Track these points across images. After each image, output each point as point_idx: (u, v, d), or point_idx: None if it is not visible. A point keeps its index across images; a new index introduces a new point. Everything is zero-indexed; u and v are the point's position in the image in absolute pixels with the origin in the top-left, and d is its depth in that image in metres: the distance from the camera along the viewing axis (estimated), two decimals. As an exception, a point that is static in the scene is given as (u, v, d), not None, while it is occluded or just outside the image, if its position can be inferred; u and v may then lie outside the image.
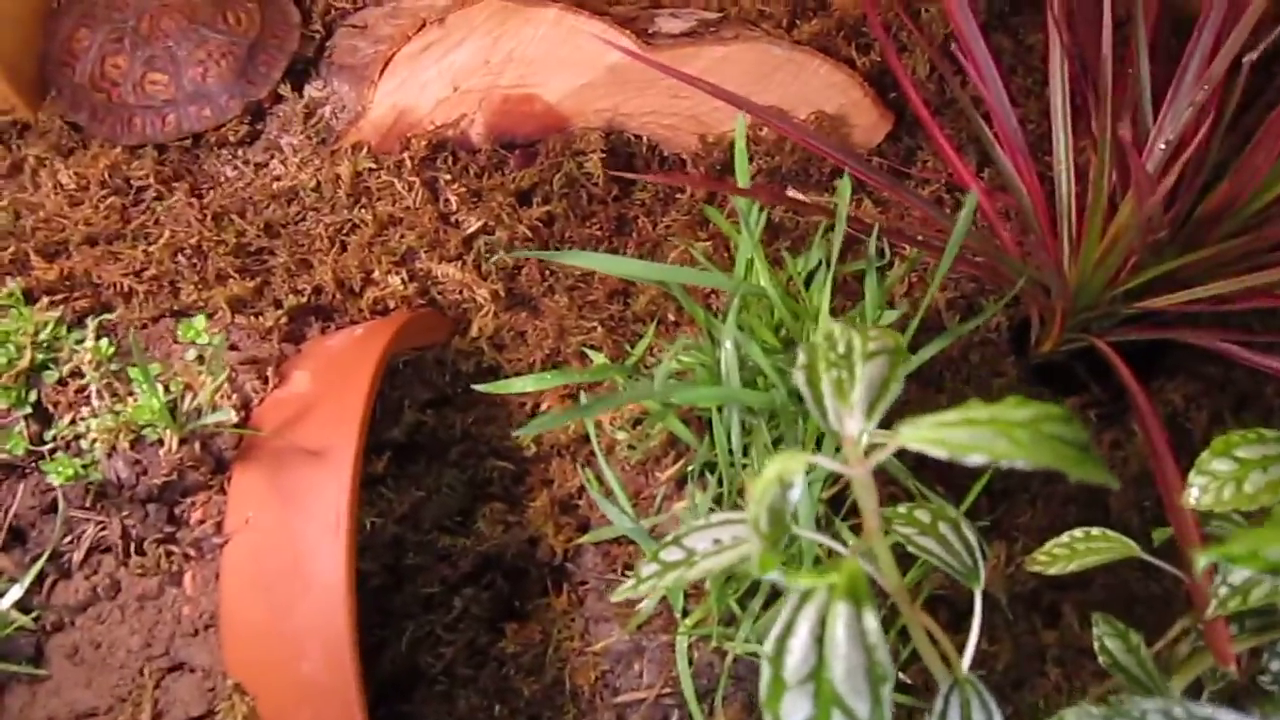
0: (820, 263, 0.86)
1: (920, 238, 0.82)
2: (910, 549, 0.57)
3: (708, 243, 0.95)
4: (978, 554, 0.57)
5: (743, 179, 0.80)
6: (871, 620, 0.38)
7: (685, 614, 0.81)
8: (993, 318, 0.92)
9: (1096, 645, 0.63)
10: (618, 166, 0.98)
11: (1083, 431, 0.38)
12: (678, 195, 0.97)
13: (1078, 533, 0.66)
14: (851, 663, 0.38)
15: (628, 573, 0.86)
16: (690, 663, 0.80)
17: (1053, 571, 0.67)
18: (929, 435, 0.37)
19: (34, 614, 0.67)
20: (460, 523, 0.87)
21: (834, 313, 0.83)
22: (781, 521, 0.38)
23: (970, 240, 0.75)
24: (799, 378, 0.44)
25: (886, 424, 0.41)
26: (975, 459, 0.36)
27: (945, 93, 1.00)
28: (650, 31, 0.99)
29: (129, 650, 0.67)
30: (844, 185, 0.76)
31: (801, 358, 0.45)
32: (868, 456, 0.40)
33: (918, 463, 0.80)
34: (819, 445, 0.74)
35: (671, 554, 0.51)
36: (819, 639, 0.38)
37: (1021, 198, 0.85)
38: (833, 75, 0.97)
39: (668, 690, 0.82)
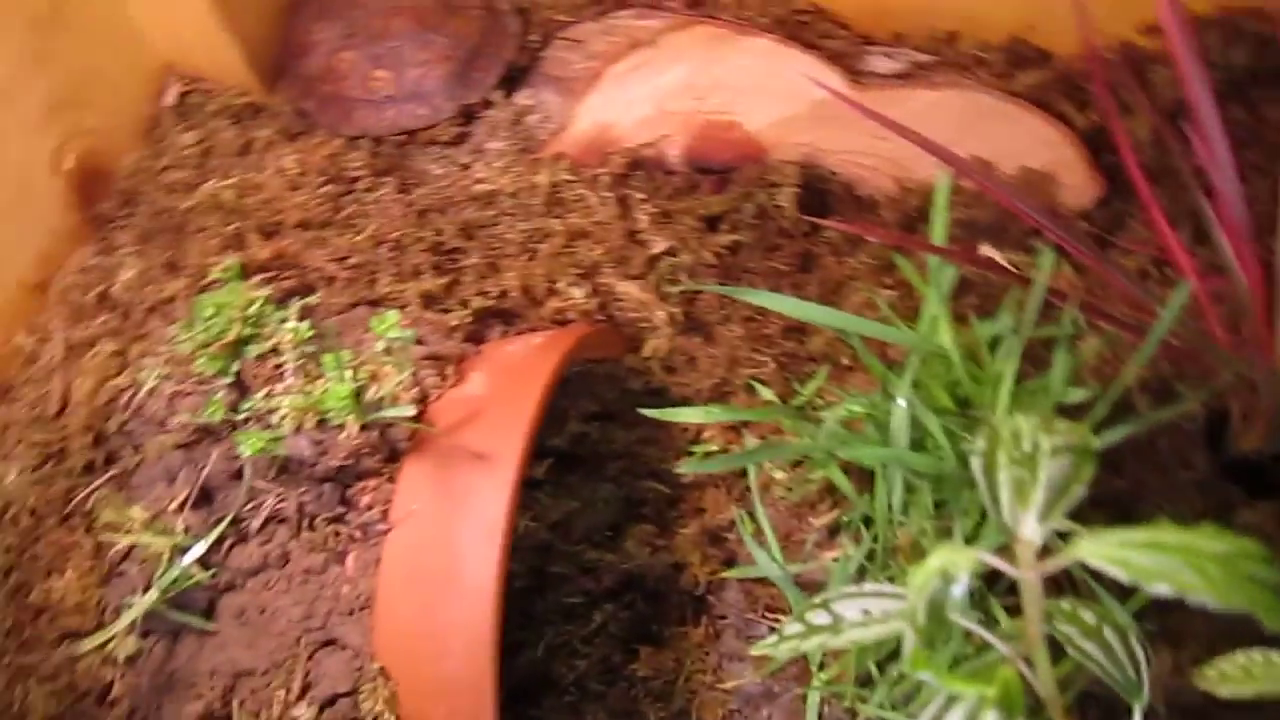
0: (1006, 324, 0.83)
1: (1119, 315, 0.78)
2: (1070, 651, 0.54)
3: (893, 291, 0.93)
4: (1143, 668, 0.54)
5: (939, 236, 0.78)
6: (1024, 735, 0.37)
7: (821, 667, 0.80)
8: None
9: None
10: (810, 201, 0.97)
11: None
12: (868, 238, 0.96)
13: (1256, 655, 0.61)
14: (997, 777, 0.36)
15: (768, 614, 0.85)
16: (819, 718, 0.79)
17: (1223, 693, 0.62)
18: (1111, 554, 0.36)
19: (211, 571, 0.71)
20: (609, 538, 0.88)
21: (1017, 382, 0.80)
22: (940, 617, 0.37)
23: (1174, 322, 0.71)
24: (975, 464, 0.42)
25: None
26: (1160, 589, 0.34)
27: (1165, 161, 0.94)
28: (861, 69, 0.98)
29: (289, 619, 0.71)
30: (1045, 256, 0.73)
31: (980, 443, 0.43)
32: (1040, 561, 0.38)
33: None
34: (983, 518, 0.71)
35: (818, 618, 0.51)
36: (965, 747, 0.37)
37: (1238, 283, 0.79)
38: (1045, 131, 0.94)
39: (793, 742, 0.81)
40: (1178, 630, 0.82)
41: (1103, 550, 0.36)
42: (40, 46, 0.89)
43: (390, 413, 0.70)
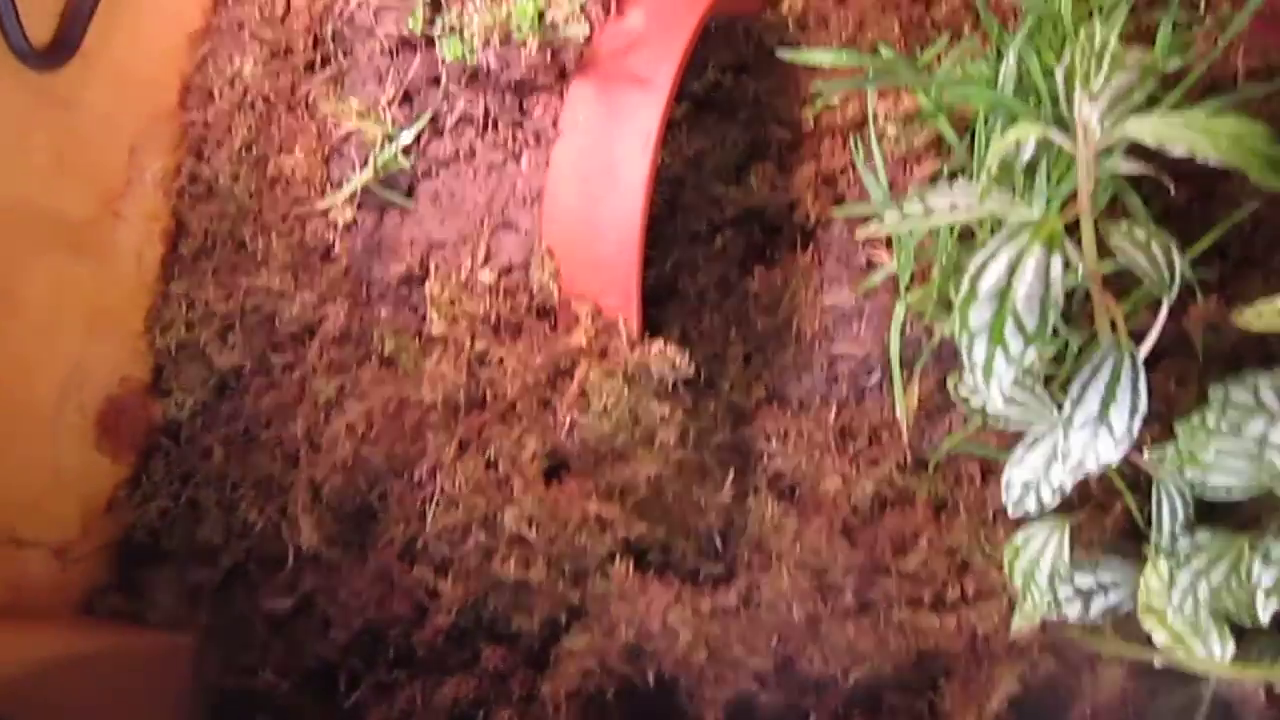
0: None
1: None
2: (1117, 255, 0.66)
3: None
4: (1177, 274, 0.65)
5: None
6: (1057, 263, 0.50)
7: (908, 289, 0.94)
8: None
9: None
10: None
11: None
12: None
13: (1292, 299, 0.72)
14: (1032, 289, 0.50)
15: (867, 246, 0.98)
16: (902, 332, 0.93)
17: (1257, 328, 0.72)
18: (1149, 129, 0.47)
19: (412, 160, 0.87)
20: (735, 175, 1.01)
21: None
22: (1009, 172, 0.50)
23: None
24: (1059, 72, 0.53)
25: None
26: (1178, 150, 0.46)
27: None
28: None
29: (475, 203, 0.87)
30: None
31: (1066, 59, 0.54)
32: (1096, 138, 0.50)
33: (1163, 213, 0.86)
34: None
35: (913, 205, 0.63)
36: (1012, 268, 0.51)
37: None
38: None
39: (876, 352, 0.97)
40: (1233, 291, 0.93)
41: (1142, 127, 0.47)
42: None
43: (566, 32, 0.82)
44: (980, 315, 0.50)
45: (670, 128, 0.98)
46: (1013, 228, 0.50)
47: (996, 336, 0.50)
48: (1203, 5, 0.92)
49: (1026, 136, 0.48)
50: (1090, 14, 0.88)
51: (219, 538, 0.93)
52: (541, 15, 0.81)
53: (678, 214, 1.01)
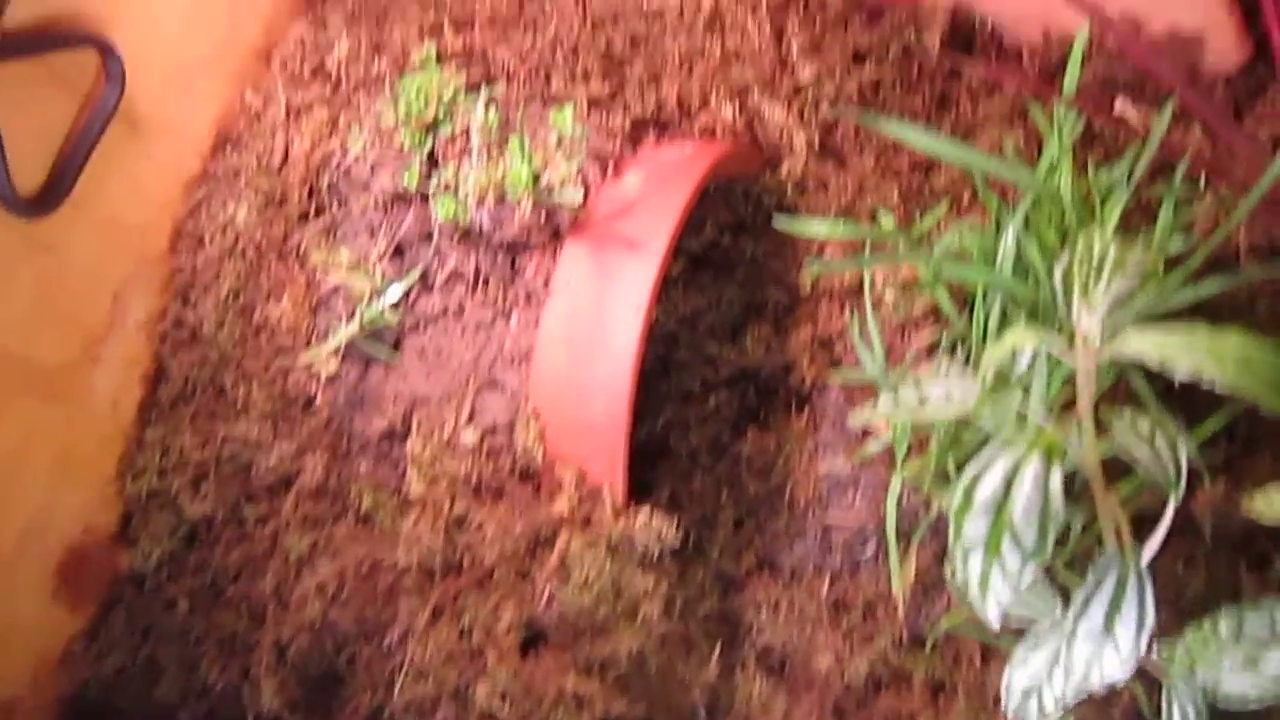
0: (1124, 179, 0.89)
1: (1241, 180, 0.83)
2: (1119, 450, 0.63)
3: (1022, 135, 0.99)
4: (1184, 470, 0.62)
5: (1070, 85, 0.84)
6: (1056, 477, 0.47)
7: (905, 460, 0.91)
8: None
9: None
10: (955, 45, 1.02)
11: (1287, 373, 0.44)
12: (1004, 87, 1.01)
13: (1305, 489, 0.69)
14: (1030, 502, 0.47)
15: (864, 414, 0.96)
16: (898, 504, 0.90)
17: (1269, 518, 0.69)
18: (1150, 346, 0.45)
19: (400, 314, 0.86)
20: (730, 335, 0.99)
21: (1124, 229, 0.86)
22: (1005, 381, 0.47)
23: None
24: (1058, 274, 0.51)
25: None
26: (1182, 372, 0.43)
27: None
28: (1023, -83, 1.00)
29: (461, 361, 0.85)
30: (1165, 112, 0.78)
31: (1065, 258, 0.52)
32: (1096, 351, 0.48)
33: (1165, 391, 0.83)
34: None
35: (908, 392, 0.61)
36: (1009, 480, 0.48)
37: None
38: (1202, -11, 0.95)
39: (872, 523, 0.93)
40: (1240, 471, 0.90)
41: (1144, 343, 0.45)
42: None
43: (560, 196, 0.81)
44: (976, 527, 0.47)
45: (666, 285, 0.97)
46: (1009, 435, 0.48)
47: (993, 551, 0.47)
48: (1202, 180, 0.92)
49: (1023, 344, 0.46)
50: (1088, 195, 0.88)
51: (176, 697, 0.89)
52: (537, 177, 0.81)
53: (671, 372, 0.99)
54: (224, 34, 0.96)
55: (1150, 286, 0.49)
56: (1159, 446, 0.65)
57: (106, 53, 0.79)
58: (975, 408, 0.47)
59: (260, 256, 0.91)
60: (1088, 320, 0.47)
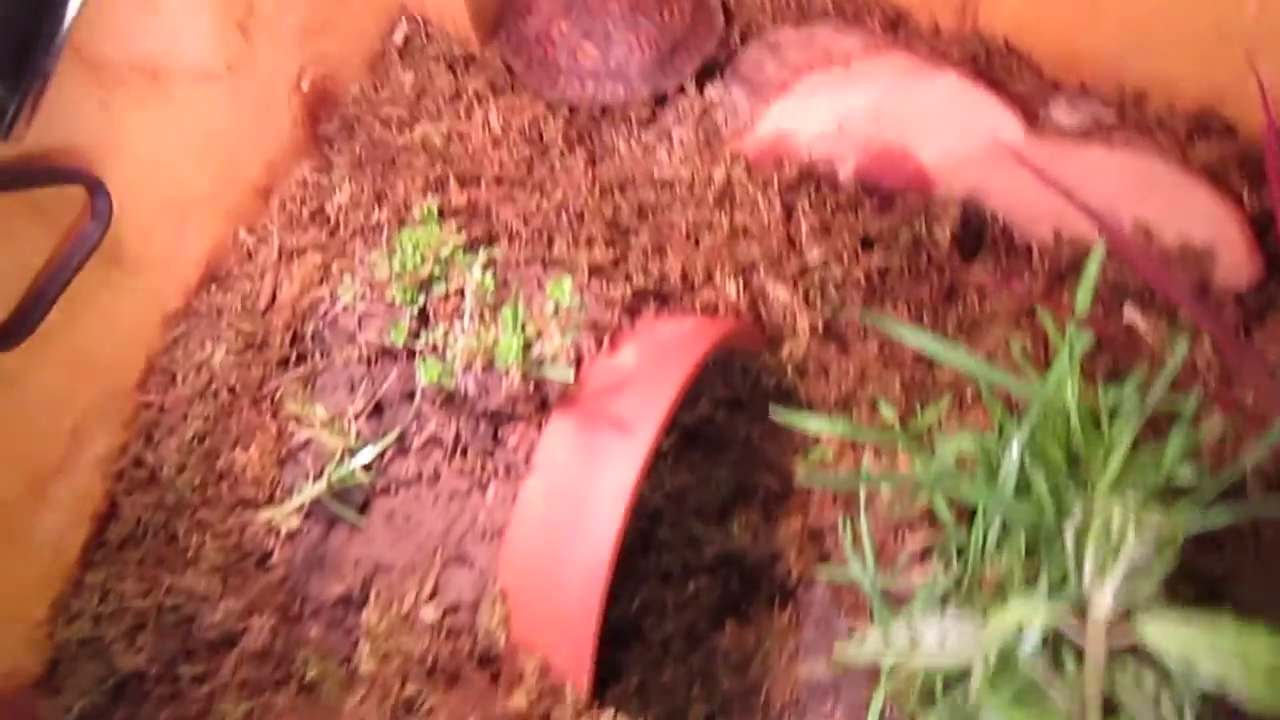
0: (1131, 395, 0.86)
1: (1249, 402, 0.80)
2: (1121, 710, 0.59)
3: (1029, 336, 0.96)
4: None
5: (1083, 302, 0.82)
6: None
7: (890, 674, 0.85)
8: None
9: None
10: (966, 239, 1.01)
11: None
12: (1013, 281, 0.99)
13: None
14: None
15: (850, 616, 0.91)
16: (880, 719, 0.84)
17: None
18: (1171, 641, 0.41)
19: (371, 475, 0.81)
20: (717, 517, 0.95)
21: (1133, 448, 0.83)
22: (1009, 663, 0.43)
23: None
24: (1068, 534, 0.47)
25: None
26: (1206, 678, 0.39)
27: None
28: (1041, 117, 1.00)
29: (431, 531, 0.80)
30: (1181, 344, 0.76)
31: (1077, 515, 0.48)
32: (1107, 633, 0.43)
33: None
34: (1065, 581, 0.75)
35: (899, 634, 0.56)
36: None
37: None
38: (1213, 206, 0.95)
39: (851, 736, 0.87)
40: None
41: (1164, 635, 0.41)
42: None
43: (551, 372, 0.78)
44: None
45: (655, 458, 0.93)
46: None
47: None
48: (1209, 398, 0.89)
49: (1030, 621, 0.42)
50: (1095, 409, 0.84)
51: None
52: (529, 347, 0.78)
53: (652, 550, 0.94)
54: (225, 171, 0.94)
55: (1167, 553, 0.45)
56: (1164, 713, 0.60)
57: (95, 189, 0.76)
58: (979, 690, 0.42)
59: (233, 400, 0.87)
60: (1100, 604, 0.43)
